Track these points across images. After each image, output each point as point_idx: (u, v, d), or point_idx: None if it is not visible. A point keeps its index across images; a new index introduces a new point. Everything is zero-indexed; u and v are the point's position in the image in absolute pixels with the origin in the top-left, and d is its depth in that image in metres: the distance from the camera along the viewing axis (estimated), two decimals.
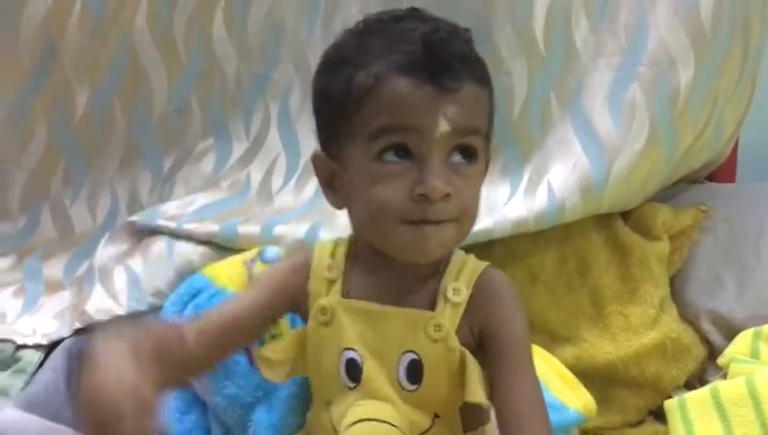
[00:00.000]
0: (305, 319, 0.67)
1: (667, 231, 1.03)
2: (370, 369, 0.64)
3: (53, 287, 1.06)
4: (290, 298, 0.68)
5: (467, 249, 0.94)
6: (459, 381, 0.63)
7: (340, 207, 0.67)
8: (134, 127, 1.15)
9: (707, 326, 1.01)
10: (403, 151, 0.62)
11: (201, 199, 1.05)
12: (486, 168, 0.67)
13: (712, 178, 1.16)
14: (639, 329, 0.97)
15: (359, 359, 0.64)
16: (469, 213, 0.64)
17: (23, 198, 1.16)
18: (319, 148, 0.67)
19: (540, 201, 0.96)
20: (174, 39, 1.12)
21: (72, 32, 1.09)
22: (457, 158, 0.63)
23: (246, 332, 0.68)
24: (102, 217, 1.16)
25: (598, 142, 0.96)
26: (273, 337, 0.83)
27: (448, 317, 0.63)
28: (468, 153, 0.63)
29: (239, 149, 1.12)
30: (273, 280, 0.69)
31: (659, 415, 0.92)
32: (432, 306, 0.64)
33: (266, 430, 0.82)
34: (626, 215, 1.04)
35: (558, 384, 0.89)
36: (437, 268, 0.65)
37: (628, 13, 0.97)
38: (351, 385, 0.64)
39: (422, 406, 0.64)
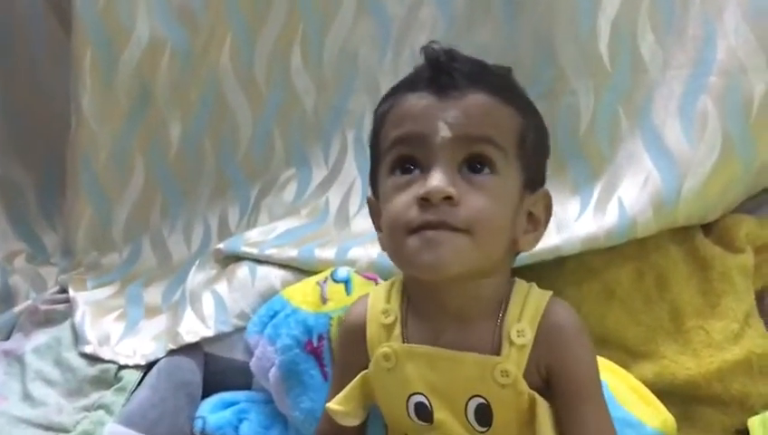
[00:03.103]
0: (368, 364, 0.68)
1: (751, 243, 1.00)
2: (440, 412, 0.63)
3: (153, 312, 1.13)
4: (360, 363, 0.68)
5: (537, 267, 0.96)
6: (530, 419, 0.62)
7: (384, 248, 0.67)
8: (222, 160, 1.21)
9: None
10: (412, 164, 0.62)
11: (282, 226, 1.10)
12: (528, 188, 0.65)
13: None
14: (722, 344, 0.93)
15: (427, 403, 0.64)
16: (483, 224, 0.61)
17: (125, 230, 1.23)
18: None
19: (611, 218, 0.95)
20: (255, 76, 1.19)
21: (163, 74, 1.16)
22: (468, 167, 0.62)
23: (358, 415, 0.69)
24: (196, 246, 1.22)
25: (669, 156, 0.95)
26: None
27: (515, 361, 0.62)
28: (481, 164, 0.62)
29: (318, 176, 1.17)
30: (341, 366, 0.70)
31: (748, 434, 0.89)
32: (496, 348, 0.63)
33: None
34: (707, 227, 1.01)
35: (634, 401, 0.87)
36: (498, 304, 0.64)
37: (695, 23, 0.95)
38: (425, 425, 0.65)
39: None
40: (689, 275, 0.98)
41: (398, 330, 0.66)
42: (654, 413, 0.86)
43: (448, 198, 0.60)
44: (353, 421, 0.69)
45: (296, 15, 1.17)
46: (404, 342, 0.65)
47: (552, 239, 0.95)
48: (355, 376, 0.68)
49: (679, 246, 1.00)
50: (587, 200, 0.98)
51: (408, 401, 0.65)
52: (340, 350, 0.71)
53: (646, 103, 0.97)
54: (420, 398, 0.64)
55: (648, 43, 0.97)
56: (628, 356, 0.96)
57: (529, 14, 1.04)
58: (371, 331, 0.67)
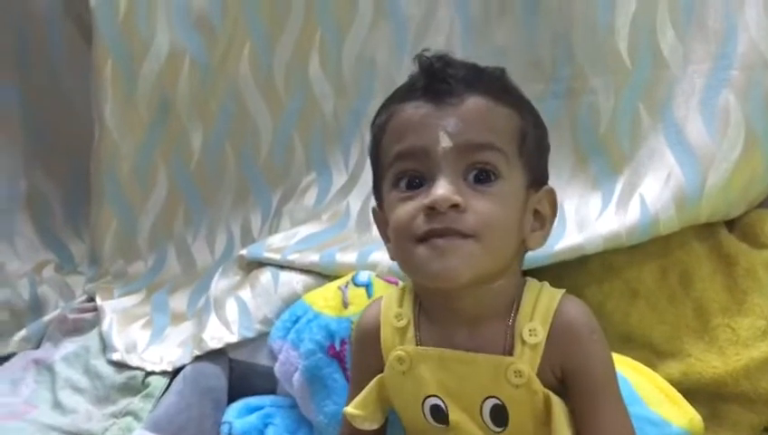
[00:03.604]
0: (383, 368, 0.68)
1: None
2: (456, 414, 0.63)
3: (178, 318, 1.14)
4: (376, 366, 0.68)
5: (560, 266, 0.95)
6: (546, 419, 0.62)
7: (393, 258, 0.67)
8: (243, 167, 1.22)
9: None
10: (416, 177, 0.62)
11: (303, 231, 1.10)
12: (532, 187, 0.65)
13: None
14: (749, 342, 0.92)
15: (443, 405, 0.64)
16: (491, 228, 0.61)
17: (150, 239, 1.25)
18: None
19: (633, 215, 0.94)
20: (275, 83, 1.19)
21: (183, 85, 1.18)
22: (474, 176, 0.61)
23: (379, 416, 0.69)
24: (220, 253, 1.23)
25: (691, 152, 0.94)
26: None
27: (528, 361, 0.62)
28: (485, 171, 0.62)
29: (339, 181, 1.17)
30: (358, 369, 0.70)
31: None
32: (508, 348, 0.63)
33: None
34: (731, 223, 1.00)
35: (660, 400, 0.86)
36: (509, 304, 0.64)
37: (715, 17, 0.94)
38: (441, 427, 0.65)
39: None
40: (714, 272, 0.97)
41: (411, 333, 0.66)
42: (680, 412, 0.85)
43: (455, 206, 0.60)
44: (371, 425, 0.69)
45: (313, 22, 1.17)
46: (417, 344, 0.65)
47: (575, 238, 0.94)
48: (372, 379, 0.68)
49: (703, 242, 0.99)
50: (608, 198, 0.97)
51: (423, 403, 0.65)
52: (356, 354, 0.72)
53: (667, 99, 0.96)
54: (435, 400, 0.64)
55: (668, 39, 0.97)
56: (653, 355, 0.95)
57: (546, 12, 1.03)
58: (385, 334, 0.67)
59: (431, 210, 0.60)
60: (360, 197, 1.14)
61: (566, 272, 0.95)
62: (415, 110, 0.63)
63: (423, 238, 0.61)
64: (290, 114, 1.20)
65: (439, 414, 0.65)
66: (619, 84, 0.99)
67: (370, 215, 1.13)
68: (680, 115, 0.95)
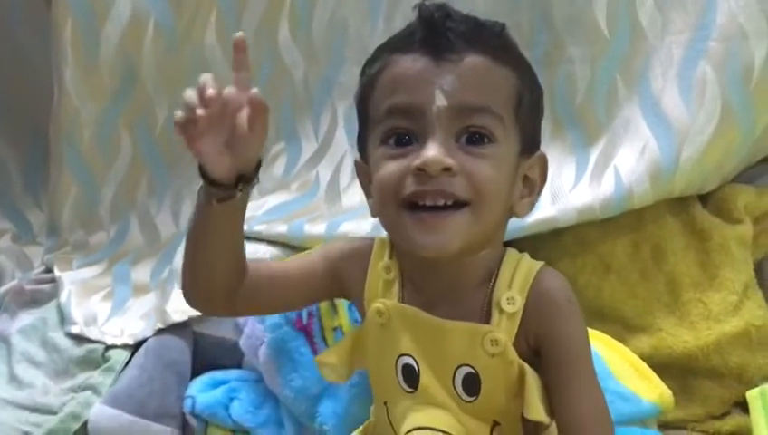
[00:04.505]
0: (360, 311, 0.67)
1: (749, 213, 0.98)
2: (427, 377, 0.62)
3: (141, 290, 1.11)
4: (342, 280, 0.66)
5: (533, 239, 0.94)
6: (518, 391, 0.61)
7: (374, 215, 0.65)
8: None
9: None
10: (406, 135, 0.60)
11: (271, 201, 1.08)
12: (525, 152, 0.63)
13: None
14: (720, 317, 0.92)
15: (415, 366, 0.63)
16: (486, 195, 0.59)
17: (112, 209, 1.21)
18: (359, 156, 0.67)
19: (606, 187, 0.93)
20: None
21: (148, 50, 1.14)
22: (466, 138, 0.59)
23: (291, 292, 0.66)
24: (185, 223, 1.19)
25: (667, 124, 0.93)
26: (334, 329, 0.85)
27: (504, 330, 0.60)
28: (479, 135, 0.59)
29: (308, 150, 1.14)
30: (333, 257, 0.67)
31: (746, 407, 0.88)
32: (485, 317, 0.61)
33: (332, 420, 0.83)
34: (705, 198, 1.00)
35: (631, 375, 0.86)
36: (489, 274, 0.62)
37: None
38: (409, 390, 0.63)
39: (481, 415, 0.62)
40: (686, 247, 0.97)
41: (396, 288, 0.64)
42: (650, 387, 0.85)
43: (446, 169, 0.58)
44: (338, 379, 0.68)
45: None
46: (399, 301, 0.64)
47: (548, 211, 0.93)
48: (330, 279, 0.66)
49: (676, 217, 0.98)
50: (583, 169, 0.96)
51: (397, 361, 0.63)
52: (342, 256, 0.66)
53: (644, 70, 0.95)
54: (409, 359, 0.63)
55: (647, 8, 0.95)
56: (624, 330, 0.95)
57: None
58: (371, 280, 0.65)
59: (420, 172, 0.58)
60: (330, 166, 1.12)
61: (539, 246, 0.94)
62: (411, 63, 0.60)
63: (409, 202, 0.59)
64: (258, 82, 1.15)
65: (411, 376, 0.63)
66: (596, 54, 0.98)
67: (340, 184, 1.13)
68: (657, 87, 0.94)
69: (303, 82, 1.16)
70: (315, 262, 0.67)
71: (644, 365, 0.87)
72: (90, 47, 1.13)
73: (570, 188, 0.95)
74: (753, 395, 0.79)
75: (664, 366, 0.89)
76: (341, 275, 0.67)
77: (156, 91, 1.17)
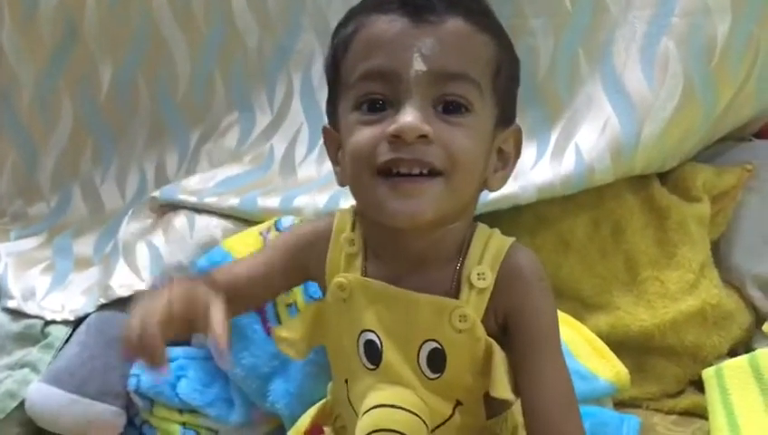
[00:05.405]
0: (323, 289, 0.64)
1: (708, 192, 0.98)
2: (390, 353, 0.60)
3: (83, 264, 1.08)
4: (306, 266, 0.64)
5: (494, 215, 0.92)
6: (484, 369, 0.60)
7: (342, 183, 0.63)
8: (159, 103, 1.15)
9: (754, 292, 0.96)
10: (381, 101, 0.57)
11: (223, 173, 1.05)
12: (501, 124, 0.61)
13: (760, 135, 1.10)
14: (677, 295, 0.92)
15: (378, 342, 0.61)
16: (461, 164, 0.57)
17: (53, 177, 1.17)
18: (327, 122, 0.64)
19: (567, 165, 0.92)
20: (193, 12, 1.11)
21: (90, 8, 1.09)
22: (443, 107, 0.57)
23: (257, 293, 0.65)
24: (131, 195, 1.17)
25: (628, 101, 0.92)
26: (288, 306, 0.82)
27: (473, 305, 0.59)
28: (456, 104, 0.57)
29: (263, 121, 1.11)
30: (292, 244, 0.65)
31: (701, 385, 0.88)
32: (454, 291, 0.60)
33: (284, 399, 0.82)
34: (664, 176, 1.00)
35: (588, 353, 0.86)
36: (458, 248, 0.61)
37: None
38: (371, 367, 0.61)
39: (444, 393, 0.61)
40: (645, 225, 0.96)
41: (359, 262, 0.62)
42: (607, 366, 0.85)
43: (423, 137, 0.56)
44: (296, 355, 0.66)
45: None
46: (362, 275, 0.62)
47: (509, 187, 0.90)
48: (292, 266, 0.64)
49: (636, 194, 0.98)
50: (544, 147, 0.95)
51: (359, 337, 0.62)
52: (300, 239, 0.65)
53: (606, 45, 0.94)
54: (372, 335, 0.61)
55: None
56: (582, 308, 0.95)
57: None
58: (333, 254, 0.63)
59: (396, 138, 0.56)
60: (285, 139, 1.09)
61: (499, 223, 0.90)
62: (388, 24, 0.57)
63: (384, 169, 0.57)
64: (210, 47, 1.13)
65: (373, 352, 0.61)
66: (558, 27, 0.96)
67: (296, 157, 1.10)
68: (619, 62, 0.93)
69: (258, 50, 1.12)
70: (277, 258, 0.65)
71: (601, 344, 0.87)
72: (27, 2, 1.07)
73: (531, 166, 0.94)
74: (708, 374, 0.79)
75: (620, 344, 0.89)
76: (302, 262, 0.64)
77: (99, 52, 1.13)
